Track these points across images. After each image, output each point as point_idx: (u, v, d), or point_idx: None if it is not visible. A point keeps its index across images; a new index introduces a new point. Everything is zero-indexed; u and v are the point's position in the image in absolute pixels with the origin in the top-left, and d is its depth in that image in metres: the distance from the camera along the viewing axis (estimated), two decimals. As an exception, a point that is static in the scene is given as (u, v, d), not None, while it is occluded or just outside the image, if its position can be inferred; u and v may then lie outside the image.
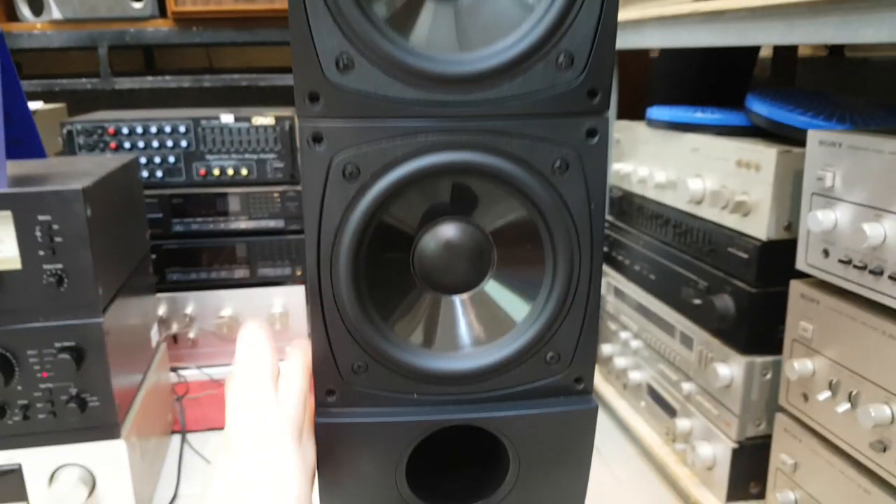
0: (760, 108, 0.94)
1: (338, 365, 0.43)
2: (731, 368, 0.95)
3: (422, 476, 0.46)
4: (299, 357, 0.44)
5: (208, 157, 1.38)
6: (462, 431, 0.45)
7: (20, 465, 0.89)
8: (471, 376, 0.43)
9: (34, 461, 0.89)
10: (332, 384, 0.43)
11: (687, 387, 1.06)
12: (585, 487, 0.47)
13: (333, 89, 0.39)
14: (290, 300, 1.44)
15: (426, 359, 0.43)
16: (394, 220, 0.42)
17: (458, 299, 0.44)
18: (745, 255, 0.92)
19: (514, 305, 0.43)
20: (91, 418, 0.89)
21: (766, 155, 0.88)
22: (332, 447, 0.43)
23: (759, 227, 0.90)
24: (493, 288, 0.43)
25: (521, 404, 0.44)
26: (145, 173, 1.36)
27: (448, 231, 0.42)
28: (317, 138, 0.39)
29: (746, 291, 0.92)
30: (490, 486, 0.46)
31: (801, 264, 0.83)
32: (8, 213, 0.82)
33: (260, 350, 0.42)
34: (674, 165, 1.09)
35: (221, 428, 1.17)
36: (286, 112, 1.45)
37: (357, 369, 0.43)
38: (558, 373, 0.44)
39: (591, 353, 0.44)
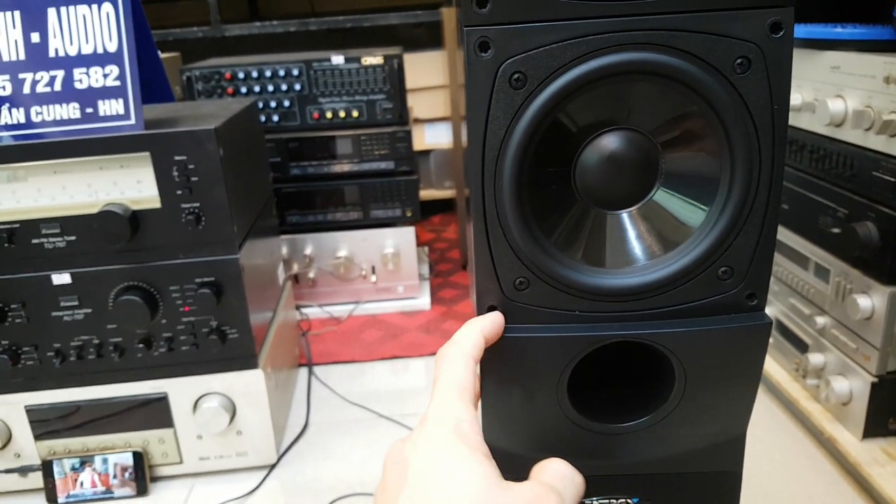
0: (914, 17, 0.86)
1: (500, 281, 0.43)
2: (872, 299, 0.90)
3: (581, 393, 0.46)
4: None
5: (321, 99, 1.40)
6: (620, 351, 0.44)
7: (166, 394, 0.94)
8: (637, 292, 0.42)
9: (179, 390, 0.94)
10: (494, 301, 0.43)
11: (821, 320, 1.01)
12: (752, 405, 0.45)
13: None
14: (401, 241, 1.45)
15: (589, 274, 0.42)
16: (558, 131, 0.40)
17: (623, 214, 0.42)
18: (892, 179, 0.85)
19: (689, 212, 0.41)
20: (231, 349, 0.93)
21: (920, 68, 0.81)
22: (494, 361, 0.43)
23: (910, 147, 0.83)
24: (663, 197, 0.42)
25: (689, 321, 0.43)
26: (262, 118, 1.39)
27: (611, 143, 0.41)
28: (483, 46, 0.38)
29: (893, 217, 0.86)
30: (652, 403, 0.46)
31: (960, 185, 0.77)
32: (146, 154, 0.85)
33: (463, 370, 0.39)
34: (810, 86, 1.02)
35: (343, 361, 1.19)
36: (393, 51, 1.44)
37: (519, 285, 0.43)
38: (731, 288, 0.42)
39: (767, 267, 0.42)
